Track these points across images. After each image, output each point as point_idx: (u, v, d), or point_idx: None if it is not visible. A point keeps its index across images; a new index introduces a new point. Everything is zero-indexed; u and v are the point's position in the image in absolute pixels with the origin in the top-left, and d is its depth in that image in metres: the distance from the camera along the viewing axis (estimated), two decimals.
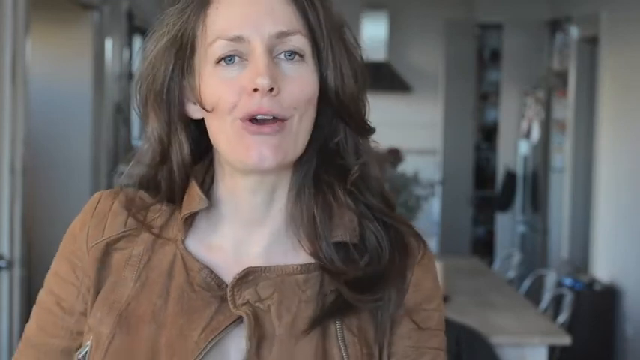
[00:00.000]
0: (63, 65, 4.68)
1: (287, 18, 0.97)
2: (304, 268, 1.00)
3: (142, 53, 1.04)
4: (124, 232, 1.04)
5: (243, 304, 0.97)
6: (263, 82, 0.93)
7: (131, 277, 1.02)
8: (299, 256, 1.02)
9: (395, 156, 4.18)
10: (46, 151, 4.54)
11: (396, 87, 7.49)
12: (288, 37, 0.96)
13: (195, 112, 1.01)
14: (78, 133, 4.71)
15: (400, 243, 1.03)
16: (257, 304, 0.97)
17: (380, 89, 7.31)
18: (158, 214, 1.04)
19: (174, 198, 1.04)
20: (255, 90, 0.94)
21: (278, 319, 0.97)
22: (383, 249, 1.01)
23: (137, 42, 5.68)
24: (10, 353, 3.25)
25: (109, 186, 5.14)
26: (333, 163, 1.02)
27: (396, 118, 7.53)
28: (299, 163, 1.02)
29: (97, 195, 1.08)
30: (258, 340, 0.96)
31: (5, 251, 3.29)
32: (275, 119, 0.95)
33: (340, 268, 0.99)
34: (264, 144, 0.95)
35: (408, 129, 7.55)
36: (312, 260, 1.01)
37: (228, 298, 0.97)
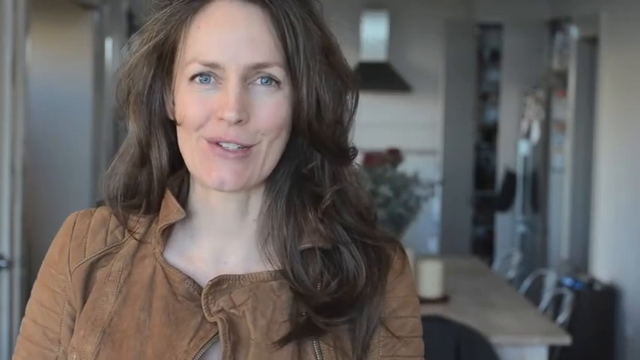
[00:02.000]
0: (63, 65, 4.68)
1: (266, 48, 0.95)
2: (278, 275, 1.00)
3: (123, 56, 1.04)
4: (106, 249, 1.04)
5: (218, 312, 0.97)
6: (231, 115, 0.93)
7: (112, 293, 1.01)
8: (274, 264, 1.01)
9: (395, 156, 4.18)
10: (46, 151, 4.54)
11: (396, 87, 7.49)
12: (265, 68, 0.95)
13: (172, 112, 1.01)
14: (78, 133, 4.70)
15: (379, 260, 1.02)
16: (232, 310, 0.98)
17: (380, 89, 7.31)
18: (136, 225, 1.04)
19: (152, 207, 1.04)
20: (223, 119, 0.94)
21: (253, 325, 0.97)
22: (360, 273, 0.99)
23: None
24: (10, 353, 3.25)
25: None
26: (306, 188, 1.01)
27: (396, 118, 7.54)
28: (272, 182, 1.01)
29: (71, 216, 1.07)
30: (234, 344, 0.96)
31: (5, 251, 3.29)
32: (240, 148, 0.95)
33: (310, 291, 0.98)
34: (227, 168, 0.95)
35: (408, 129, 7.55)
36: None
37: (203, 306, 0.98)
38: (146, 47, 0.99)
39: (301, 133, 0.99)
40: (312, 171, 1.01)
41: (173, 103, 0.99)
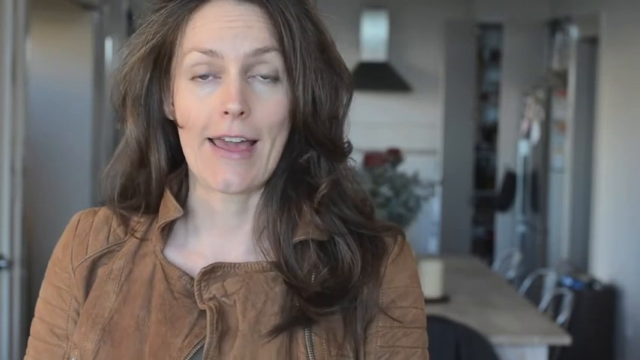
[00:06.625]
0: (63, 65, 4.68)
1: (263, 36, 0.96)
2: (273, 266, 1.00)
3: (121, 58, 1.04)
4: (108, 247, 1.05)
5: (210, 299, 0.98)
6: (234, 107, 0.94)
7: (113, 291, 1.02)
8: (269, 257, 1.02)
9: (395, 156, 4.18)
10: (46, 151, 4.54)
11: (396, 87, 7.49)
12: (264, 54, 0.96)
13: (172, 113, 1.02)
14: (78, 133, 4.71)
15: (375, 248, 1.02)
16: (223, 298, 0.98)
17: (380, 89, 7.31)
18: (137, 225, 1.05)
19: (151, 207, 1.04)
20: (226, 113, 0.94)
21: (242, 315, 0.97)
22: (355, 264, 0.99)
23: None
24: (10, 353, 3.25)
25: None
26: (302, 181, 1.02)
27: (396, 118, 7.53)
28: (269, 178, 1.02)
29: (76, 216, 1.09)
30: (222, 334, 0.96)
31: (5, 251, 3.29)
32: (244, 141, 0.96)
33: (302, 282, 0.98)
34: (232, 170, 0.96)
35: (408, 129, 7.55)
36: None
37: (195, 293, 0.98)
38: (143, 50, 1.00)
39: (297, 131, 1.00)
40: (307, 162, 1.02)
41: (173, 105, 1.00)
